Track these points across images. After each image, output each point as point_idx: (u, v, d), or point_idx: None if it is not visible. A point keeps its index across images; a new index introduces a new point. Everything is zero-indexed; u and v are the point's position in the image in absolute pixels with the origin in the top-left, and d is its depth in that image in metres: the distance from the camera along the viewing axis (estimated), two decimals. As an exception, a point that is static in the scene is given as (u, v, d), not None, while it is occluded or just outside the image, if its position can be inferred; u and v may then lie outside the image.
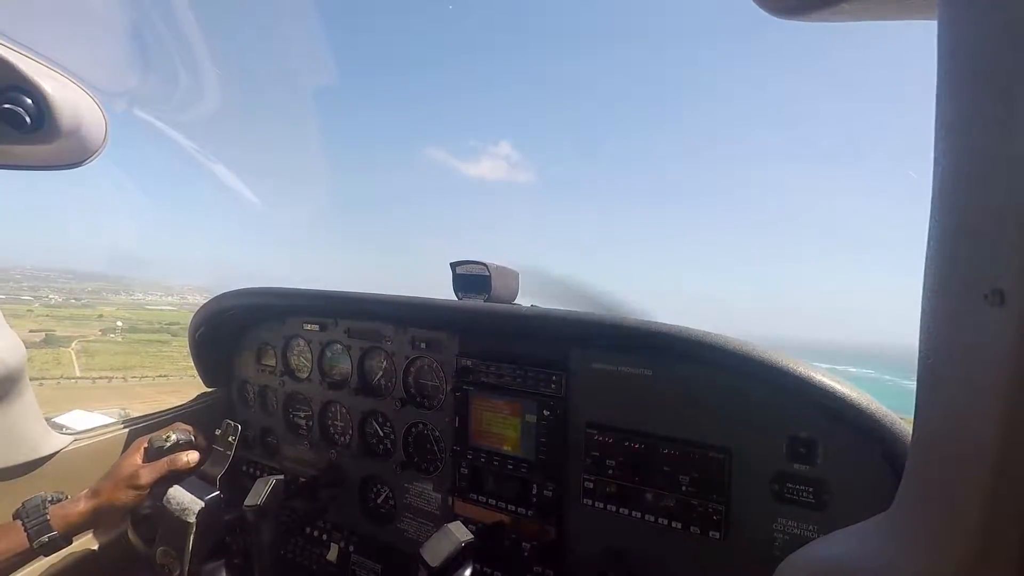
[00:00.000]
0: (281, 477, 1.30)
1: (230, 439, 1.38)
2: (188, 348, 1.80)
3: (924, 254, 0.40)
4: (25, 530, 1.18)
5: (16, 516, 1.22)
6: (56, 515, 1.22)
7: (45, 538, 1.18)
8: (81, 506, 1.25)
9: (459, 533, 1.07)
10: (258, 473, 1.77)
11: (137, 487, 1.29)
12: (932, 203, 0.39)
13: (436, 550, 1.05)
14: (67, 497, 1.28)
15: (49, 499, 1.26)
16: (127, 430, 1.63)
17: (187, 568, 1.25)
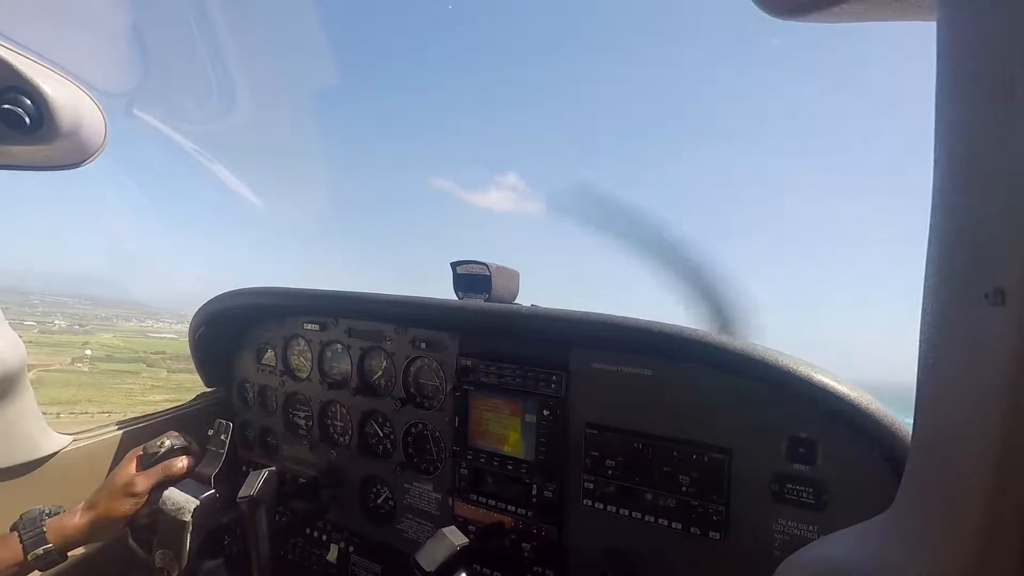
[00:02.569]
0: (273, 469, 1.31)
1: (222, 437, 1.39)
2: (188, 349, 1.80)
3: (924, 254, 0.40)
4: (21, 542, 1.18)
5: (13, 528, 1.21)
6: (52, 528, 1.21)
7: (40, 551, 1.18)
8: (77, 519, 1.25)
9: (454, 537, 1.07)
10: (258, 473, 1.77)
11: (133, 495, 1.29)
12: (932, 203, 0.39)
13: (431, 555, 1.05)
14: (64, 510, 1.28)
15: (47, 511, 1.25)
16: (126, 430, 1.63)
17: (185, 566, 1.25)
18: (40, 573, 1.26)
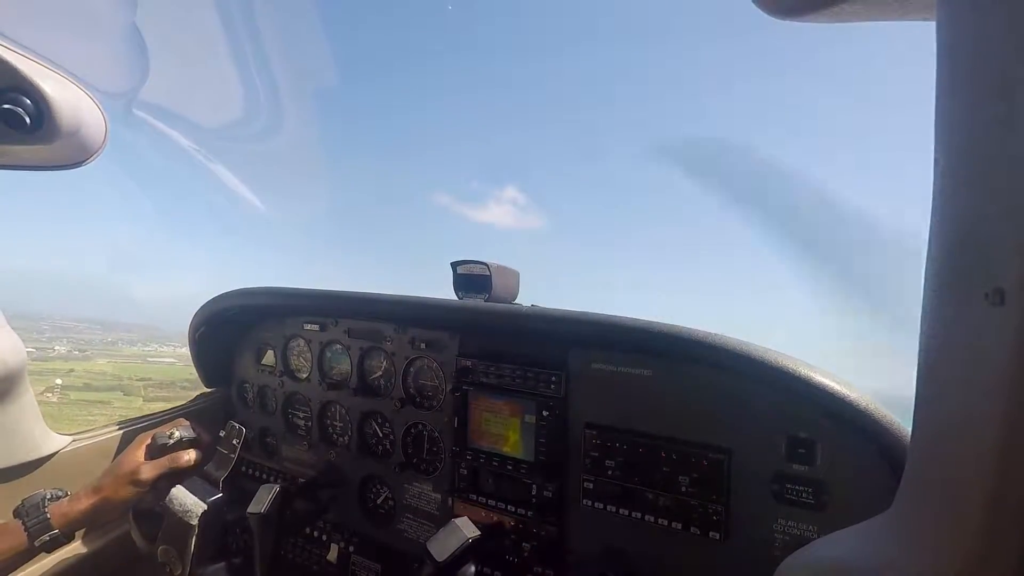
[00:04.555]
0: (279, 486, 1.31)
1: (234, 441, 1.39)
2: (188, 349, 1.80)
3: (924, 254, 0.40)
4: (25, 529, 1.18)
5: (16, 514, 1.21)
6: (56, 513, 1.21)
7: (46, 536, 1.18)
8: (82, 503, 1.25)
9: (467, 529, 1.08)
10: (257, 474, 1.77)
11: (139, 483, 1.29)
12: (932, 202, 0.39)
13: (443, 545, 1.06)
14: (67, 494, 1.28)
15: (49, 496, 1.25)
16: (127, 431, 1.63)
17: (188, 569, 1.25)
18: (46, 558, 1.27)
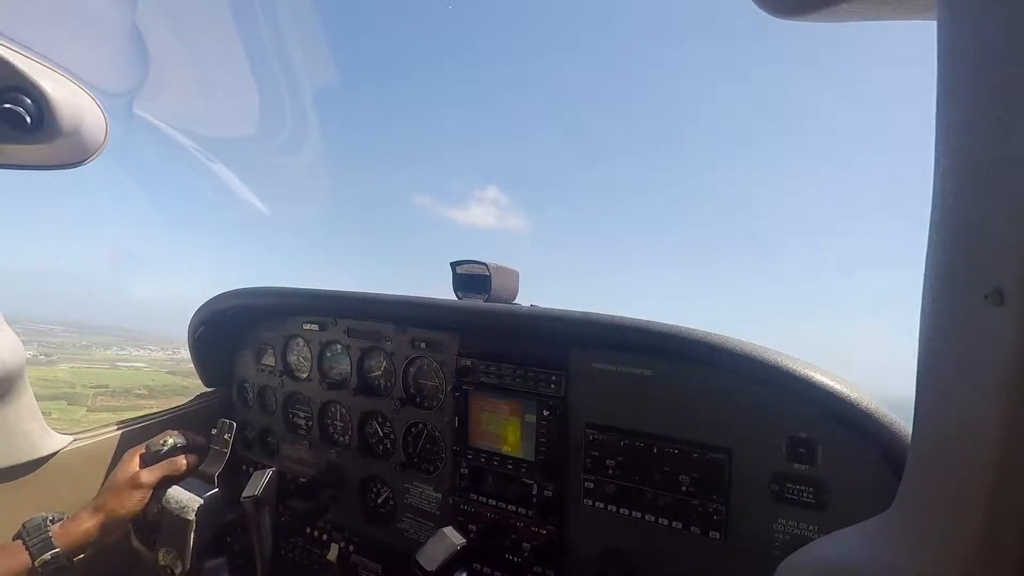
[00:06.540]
0: (274, 469, 1.32)
1: (226, 437, 1.39)
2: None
3: (924, 254, 0.40)
4: (27, 549, 1.17)
5: (17, 536, 1.21)
6: (59, 533, 1.21)
7: (48, 556, 1.18)
8: (85, 522, 1.24)
9: (454, 537, 1.08)
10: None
11: (139, 488, 1.29)
12: (932, 203, 0.39)
13: (432, 555, 1.07)
14: (66, 516, 1.28)
15: (50, 518, 1.25)
16: (126, 430, 1.63)
17: (188, 565, 1.26)
18: None
